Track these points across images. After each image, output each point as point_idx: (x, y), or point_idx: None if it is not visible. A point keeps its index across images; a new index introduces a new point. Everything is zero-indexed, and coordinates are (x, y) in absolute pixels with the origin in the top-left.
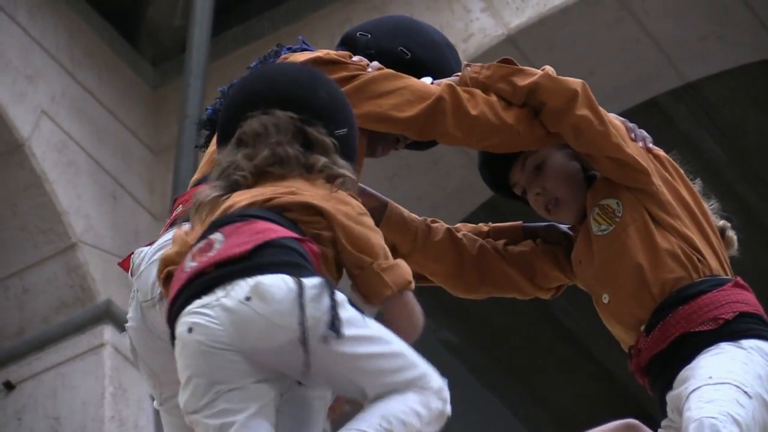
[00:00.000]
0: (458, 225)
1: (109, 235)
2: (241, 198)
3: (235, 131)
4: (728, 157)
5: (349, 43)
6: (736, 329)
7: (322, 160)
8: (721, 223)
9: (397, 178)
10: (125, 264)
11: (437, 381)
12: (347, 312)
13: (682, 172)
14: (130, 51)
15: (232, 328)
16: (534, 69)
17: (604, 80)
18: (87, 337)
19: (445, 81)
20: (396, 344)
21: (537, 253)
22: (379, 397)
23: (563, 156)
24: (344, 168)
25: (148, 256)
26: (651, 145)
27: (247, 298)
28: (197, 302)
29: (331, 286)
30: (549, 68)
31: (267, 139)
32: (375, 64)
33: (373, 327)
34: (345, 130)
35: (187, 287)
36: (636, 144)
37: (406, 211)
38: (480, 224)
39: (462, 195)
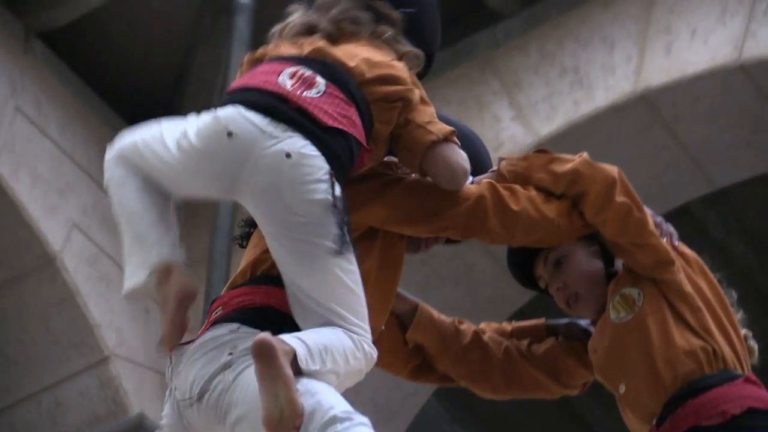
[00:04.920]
0: (482, 325)
1: (141, 348)
2: (346, 57)
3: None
4: (760, 264)
5: None
6: (743, 425)
7: (389, 31)
8: (744, 332)
9: (429, 288)
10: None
11: (369, 345)
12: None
13: (707, 270)
14: None
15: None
16: (570, 155)
17: (635, 187)
18: None
19: (483, 179)
20: (361, 294)
21: (560, 351)
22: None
23: (586, 253)
24: (408, 45)
25: (188, 355)
26: (677, 242)
27: (288, 155)
28: (267, 121)
29: (346, 203)
30: (586, 154)
31: (338, 4)
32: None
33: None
34: (413, 9)
35: (267, 95)
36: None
37: (435, 313)
38: (503, 323)
39: (494, 304)
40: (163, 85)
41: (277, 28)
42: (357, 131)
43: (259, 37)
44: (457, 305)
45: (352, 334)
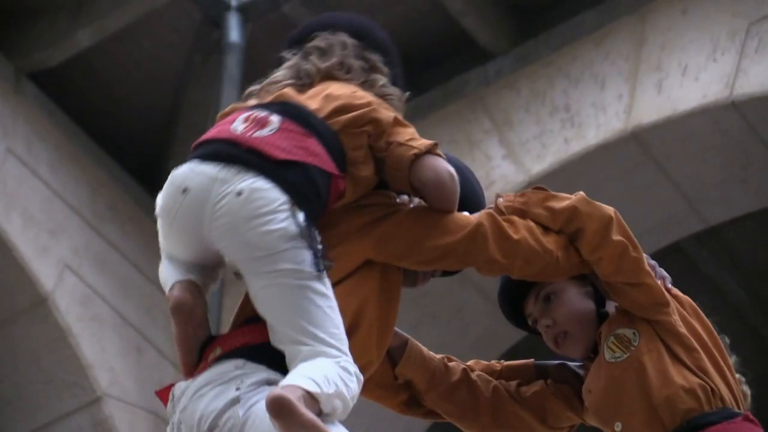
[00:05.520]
0: (471, 363)
1: (134, 388)
2: (309, 99)
3: (302, 44)
4: (752, 301)
5: None
6: None
7: (382, 80)
8: (738, 375)
9: (421, 326)
10: (164, 395)
11: (354, 366)
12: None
13: (700, 313)
14: (153, 204)
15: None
16: (566, 194)
17: (627, 225)
18: None
19: (482, 212)
20: (337, 318)
21: (549, 394)
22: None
23: (578, 292)
24: (394, 91)
25: (192, 390)
26: (670, 285)
27: (239, 193)
28: (219, 168)
29: (314, 229)
30: (582, 193)
31: (332, 53)
32: (404, 197)
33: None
34: (396, 69)
35: (218, 143)
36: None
37: (425, 349)
38: (493, 362)
39: (486, 343)
40: (154, 124)
41: (255, 87)
42: (318, 160)
43: (249, 77)
44: (449, 343)
45: (337, 359)
